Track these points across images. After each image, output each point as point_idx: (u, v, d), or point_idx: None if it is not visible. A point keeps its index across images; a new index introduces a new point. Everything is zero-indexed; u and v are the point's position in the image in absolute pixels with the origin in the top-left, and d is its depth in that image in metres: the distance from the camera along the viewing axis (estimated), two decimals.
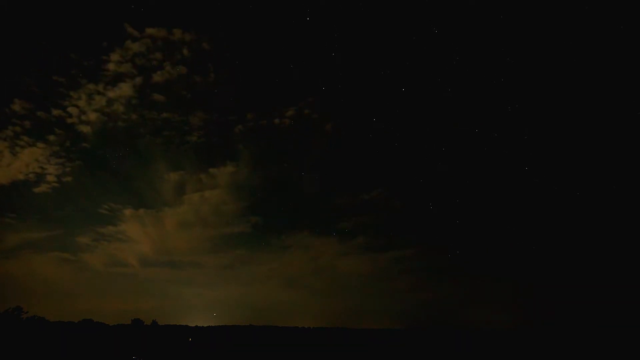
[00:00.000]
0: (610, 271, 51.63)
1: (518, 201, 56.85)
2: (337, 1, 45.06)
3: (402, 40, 49.14)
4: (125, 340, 32.37)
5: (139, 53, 59.12)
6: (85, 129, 60.75)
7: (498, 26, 45.29)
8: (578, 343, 38.14)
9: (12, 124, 57.42)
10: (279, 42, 52.21)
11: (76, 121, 60.31)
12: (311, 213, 69.16)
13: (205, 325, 58.84)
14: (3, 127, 56.99)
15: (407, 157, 59.80)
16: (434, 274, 68.76)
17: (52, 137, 59.91)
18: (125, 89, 59.59)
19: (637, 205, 47.76)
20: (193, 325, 57.99)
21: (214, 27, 52.14)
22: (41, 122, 58.75)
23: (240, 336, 44.12)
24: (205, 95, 64.13)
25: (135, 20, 51.47)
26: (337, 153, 64.20)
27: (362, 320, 67.33)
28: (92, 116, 60.39)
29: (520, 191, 55.80)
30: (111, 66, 58.95)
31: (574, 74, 47.00)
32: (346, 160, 65.01)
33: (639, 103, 44.76)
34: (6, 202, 60.04)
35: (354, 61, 53.99)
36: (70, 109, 59.45)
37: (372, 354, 27.94)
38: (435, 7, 44.16)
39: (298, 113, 62.09)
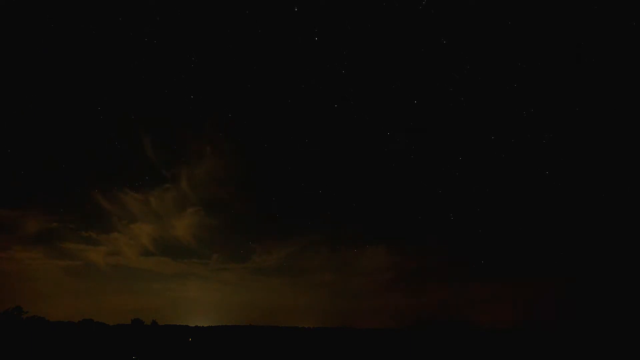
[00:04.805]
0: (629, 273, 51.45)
1: (540, 206, 57.08)
2: (344, 20, 45.51)
3: (411, 53, 49.49)
4: (125, 340, 32.36)
5: None
6: None
7: (507, 32, 45.38)
8: (578, 343, 38.08)
9: None
10: (287, 63, 52.40)
11: None
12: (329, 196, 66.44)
13: (205, 325, 58.86)
14: None
15: (424, 169, 60.26)
16: (453, 278, 68.62)
17: None
18: None
19: None
20: (193, 325, 58.03)
21: (220, 54, 51.65)
22: None
23: (240, 336, 44.09)
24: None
25: None
26: (351, 168, 64.23)
27: (365, 320, 66.74)
28: None
29: (542, 196, 55.96)
30: None
31: (588, 74, 46.85)
32: (361, 175, 65.11)
33: None
34: None
35: (363, 77, 54.47)
36: None
37: (373, 354, 27.88)
38: (441, 17, 44.36)
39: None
